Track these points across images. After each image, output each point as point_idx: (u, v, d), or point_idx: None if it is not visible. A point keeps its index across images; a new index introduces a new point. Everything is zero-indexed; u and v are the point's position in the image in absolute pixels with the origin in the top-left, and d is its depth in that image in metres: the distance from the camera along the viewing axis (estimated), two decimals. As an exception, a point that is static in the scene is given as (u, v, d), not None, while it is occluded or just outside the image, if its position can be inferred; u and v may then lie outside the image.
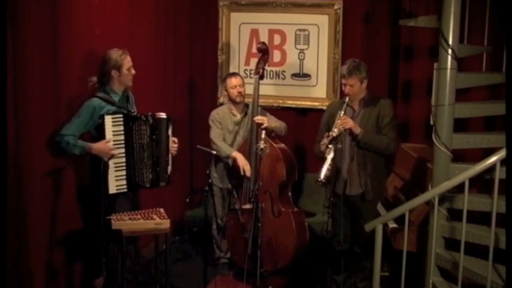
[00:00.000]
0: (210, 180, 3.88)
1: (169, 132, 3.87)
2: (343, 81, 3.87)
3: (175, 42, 5.23)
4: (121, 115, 3.67)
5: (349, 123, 3.76)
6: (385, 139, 3.83)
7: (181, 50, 5.33)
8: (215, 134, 4.47)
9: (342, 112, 3.77)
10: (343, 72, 3.85)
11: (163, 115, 3.84)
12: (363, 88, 3.89)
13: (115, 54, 3.70)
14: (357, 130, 3.79)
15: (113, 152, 3.60)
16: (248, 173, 4.29)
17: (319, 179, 3.60)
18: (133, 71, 3.77)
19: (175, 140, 3.93)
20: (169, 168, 3.89)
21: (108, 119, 3.60)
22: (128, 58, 3.75)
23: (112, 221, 3.52)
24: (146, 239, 4.50)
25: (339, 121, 3.73)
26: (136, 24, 4.60)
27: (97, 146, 3.59)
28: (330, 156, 3.66)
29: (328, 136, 3.71)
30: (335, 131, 3.71)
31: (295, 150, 4.76)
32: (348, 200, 3.93)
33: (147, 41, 4.79)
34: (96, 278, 3.94)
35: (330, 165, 3.65)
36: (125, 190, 3.70)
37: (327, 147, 3.68)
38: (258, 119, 4.27)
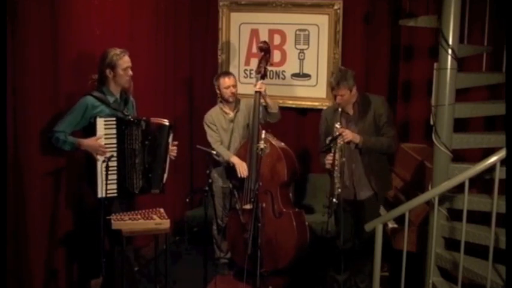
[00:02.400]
0: (210, 180, 3.87)
1: (170, 139, 3.84)
2: (333, 92, 3.85)
3: (175, 42, 5.23)
4: (114, 118, 3.62)
5: (348, 136, 3.73)
6: (386, 140, 3.82)
7: (181, 50, 5.33)
8: (212, 139, 4.46)
9: (338, 124, 3.74)
10: (332, 84, 3.83)
11: (165, 122, 3.81)
12: (353, 94, 3.87)
13: (111, 53, 3.62)
14: (357, 139, 3.78)
15: (105, 149, 3.54)
16: (245, 173, 4.30)
17: (334, 201, 3.63)
18: (130, 72, 3.69)
19: (176, 143, 3.91)
20: (165, 176, 3.86)
21: (100, 122, 3.55)
22: (125, 58, 3.66)
23: (112, 221, 3.51)
24: (146, 239, 4.50)
25: (337, 131, 3.70)
26: (136, 24, 4.60)
27: (87, 142, 3.54)
28: (337, 175, 3.68)
29: (330, 160, 3.71)
30: (335, 155, 3.69)
31: (295, 150, 4.76)
32: (357, 204, 3.92)
33: (147, 41, 4.79)
34: (95, 279, 3.94)
35: (339, 183, 3.68)
36: (115, 195, 3.66)
37: (333, 166, 3.68)
38: (258, 84, 4.28)
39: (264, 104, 4.36)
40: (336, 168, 3.68)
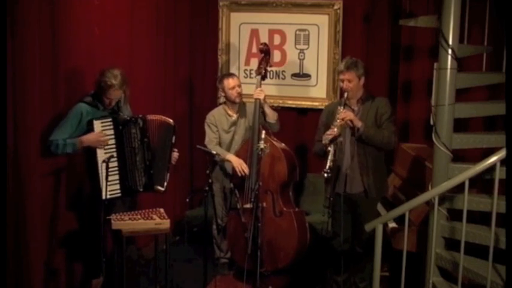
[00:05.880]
0: (210, 180, 3.87)
1: (173, 140, 3.85)
2: (341, 76, 3.87)
3: (175, 42, 5.23)
4: (110, 119, 3.63)
5: (350, 115, 3.74)
6: (386, 133, 3.79)
7: (181, 50, 5.33)
8: (209, 140, 4.45)
9: (342, 107, 3.76)
10: (341, 68, 3.86)
11: (170, 121, 3.82)
12: (360, 85, 3.88)
13: (108, 75, 3.59)
14: (358, 123, 3.75)
15: (106, 139, 3.55)
16: (246, 170, 4.29)
17: (325, 170, 3.62)
18: (113, 102, 3.68)
19: (176, 150, 3.92)
20: (168, 175, 3.87)
21: (97, 124, 3.58)
22: (115, 92, 3.61)
23: (112, 221, 3.52)
24: (146, 239, 4.50)
25: (340, 114, 3.73)
26: (136, 24, 4.60)
27: (87, 138, 3.57)
28: (332, 149, 3.68)
29: (329, 134, 3.72)
30: (335, 130, 3.71)
31: (295, 150, 4.77)
32: (349, 199, 3.92)
33: (147, 41, 4.79)
34: (95, 278, 3.94)
35: (333, 156, 3.67)
36: (119, 195, 3.67)
37: (329, 143, 3.69)
38: (257, 91, 4.29)
39: (262, 110, 4.36)
40: (332, 145, 3.69)
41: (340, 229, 3.90)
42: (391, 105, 3.97)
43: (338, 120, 3.71)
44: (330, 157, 3.66)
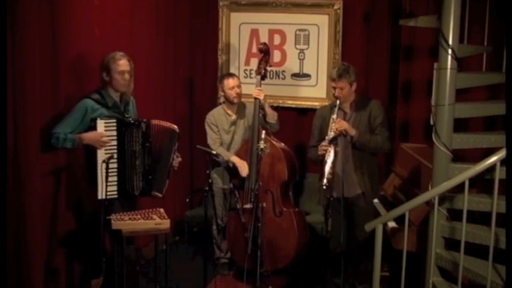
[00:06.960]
0: (210, 180, 3.87)
1: (176, 146, 3.85)
2: (333, 84, 3.94)
3: (175, 42, 5.23)
4: (114, 120, 3.62)
5: (344, 125, 3.84)
6: (380, 138, 3.90)
7: (181, 50, 5.33)
8: (212, 140, 4.46)
9: (335, 115, 3.82)
10: (333, 76, 3.92)
11: (175, 127, 3.82)
12: (352, 91, 3.96)
13: (109, 56, 3.63)
14: (352, 132, 3.85)
15: (106, 139, 3.54)
16: (246, 172, 4.30)
17: (323, 184, 3.68)
18: (126, 76, 3.66)
19: (178, 154, 3.92)
20: (167, 181, 3.87)
21: (100, 124, 3.55)
22: (121, 62, 3.63)
23: (112, 221, 3.52)
24: (146, 239, 4.50)
25: (333, 124, 3.79)
26: (136, 24, 4.60)
27: (87, 136, 3.55)
28: (330, 160, 3.72)
29: (324, 149, 3.76)
30: (331, 134, 3.76)
31: (295, 150, 4.76)
32: (346, 202, 3.94)
33: (147, 41, 4.79)
34: (95, 278, 3.94)
35: (331, 168, 3.71)
36: (115, 196, 3.66)
37: (326, 150, 3.72)
38: (256, 91, 4.29)
39: (262, 113, 4.37)
40: (330, 154, 3.73)
41: (336, 231, 3.92)
42: (383, 109, 4.02)
43: (332, 132, 3.76)
44: (327, 169, 3.71)
